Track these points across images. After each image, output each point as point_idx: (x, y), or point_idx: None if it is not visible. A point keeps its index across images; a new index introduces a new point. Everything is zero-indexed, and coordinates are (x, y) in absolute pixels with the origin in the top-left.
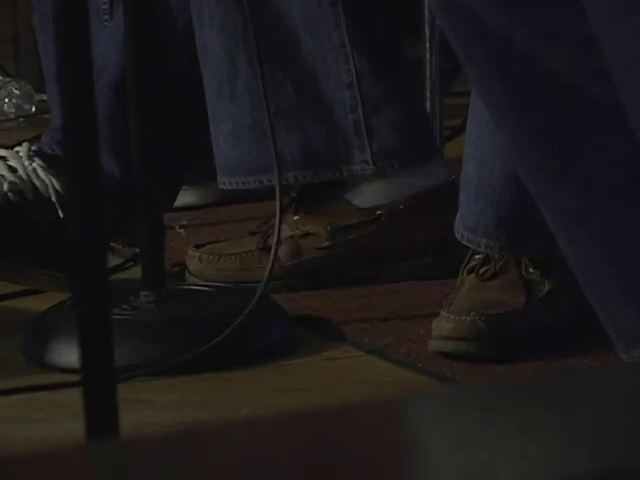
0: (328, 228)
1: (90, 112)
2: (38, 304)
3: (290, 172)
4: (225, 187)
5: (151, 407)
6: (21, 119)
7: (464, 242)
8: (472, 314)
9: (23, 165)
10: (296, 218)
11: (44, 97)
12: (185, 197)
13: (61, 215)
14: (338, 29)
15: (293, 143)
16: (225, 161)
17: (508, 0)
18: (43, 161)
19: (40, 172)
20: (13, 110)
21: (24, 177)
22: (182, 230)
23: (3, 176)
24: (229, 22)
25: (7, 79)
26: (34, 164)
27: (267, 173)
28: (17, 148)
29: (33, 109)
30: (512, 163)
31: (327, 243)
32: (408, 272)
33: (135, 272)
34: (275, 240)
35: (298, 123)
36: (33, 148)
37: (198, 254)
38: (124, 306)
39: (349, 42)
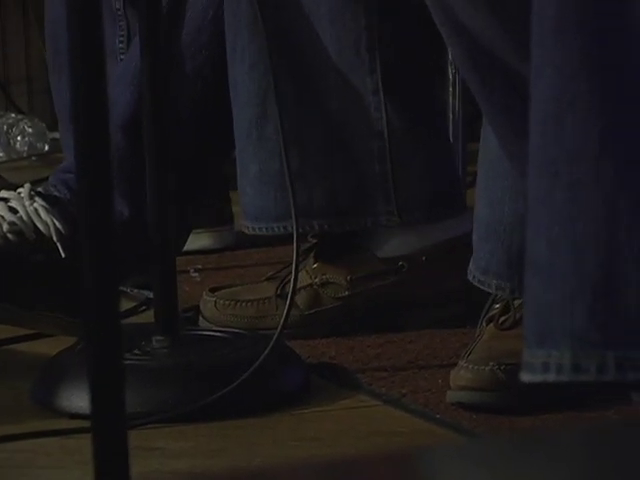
0: (348, 277)
1: (104, 152)
2: (47, 348)
3: (315, 220)
4: (249, 232)
5: (163, 455)
6: (34, 158)
7: (476, 283)
8: (491, 364)
9: (24, 206)
10: (315, 266)
11: (57, 136)
12: (200, 241)
13: (63, 255)
14: (373, 75)
15: (320, 190)
16: (250, 205)
17: None
18: (45, 201)
19: (42, 212)
20: (26, 148)
21: (25, 218)
22: (196, 274)
23: (2, 217)
24: (261, 62)
25: (20, 117)
26: (35, 204)
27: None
28: (19, 189)
29: (46, 148)
30: (519, 205)
31: (347, 292)
32: (427, 323)
33: (148, 316)
34: (291, 290)
35: (326, 170)
36: (38, 189)
37: (214, 299)
38: (136, 351)
39: (382, 89)
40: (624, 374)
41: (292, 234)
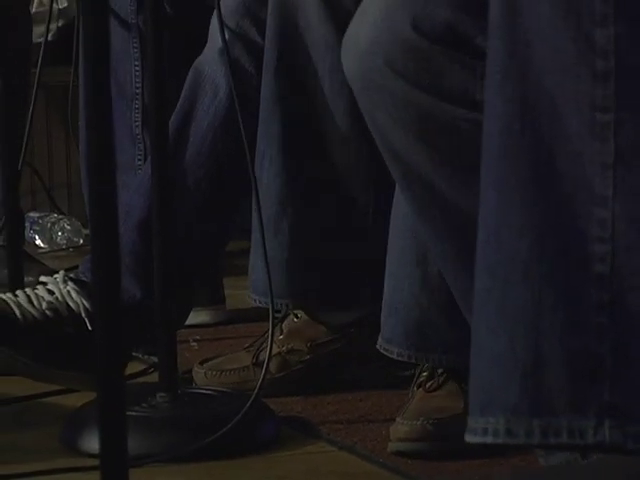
0: (308, 344)
1: (114, 248)
2: (75, 400)
3: (306, 301)
4: (256, 304)
5: None
6: (71, 249)
7: (382, 351)
8: (421, 419)
9: (59, 288)
10: (282, 337)
11: None
12: (199, 317)
13: (90, 328)
14: (368, 192)
15: (314, 281)
16: (261, 283)
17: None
18: (76, 285)
19: (73, 294)
20: (65, 242)
21: (60, 298)
22: (195, 344)
23: (42, 297)
24: (285, 171)
25: (60, 216)
26: (68, 287)
27: (294, 299)
28: (55, 275)
29: (81, 241)
30: (416, 290)
31: (308, 357)
32: (372, 374)
33: (154, 377)
34: (266, 359)
35: (321, 265)
36: (70, 275)
37: (203, 370)
38: (143, 404)
39: (373, 213)
40: (547, 439)
41: (289, 312)
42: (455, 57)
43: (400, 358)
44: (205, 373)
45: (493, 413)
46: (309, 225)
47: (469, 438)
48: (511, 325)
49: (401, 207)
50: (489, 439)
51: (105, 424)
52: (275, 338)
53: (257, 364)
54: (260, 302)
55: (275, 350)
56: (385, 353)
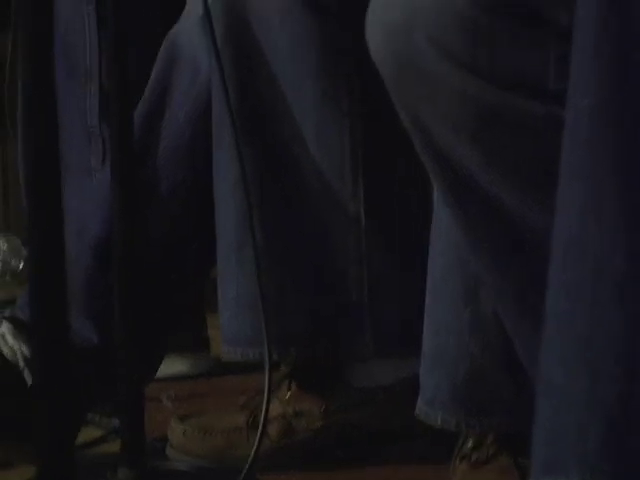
0: (322, 408)
1: (58, 275)
2: (10, 478)
3: (292, 346)
4: (226, 357)
5: None
6: (7, 277)
7: (422, 418)
8: None
9: None
10: (288, 395)
11: None
12: (174, 366)
13: (29, 383)
14: (355, 199)
15: (297, 318)
16: (227, 329)
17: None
18: (12, 325)
19: (8, 337)
20: None
21: None
22: (169, 402)
23: None
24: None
25: None
26: (2, 328)
27: (279, 346)
28: None
29: (21, 265)
30: (464, 336)
31: (321, 423)
32: (406, 455)
33: (115, 447)
34: (262, 420)
35: (303, 298)
36: (5, 313)
37: (183, 427)
38: None
39: (364, 215)
40: None
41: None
42: (523, 34)
43: (445, 426)
44: (184, 432)
45: (565, 471)
46: (282, 250)
47: None
48: (594, 357)
49: (443, 230)
50: None
51: None
52: (281, 396)
53: (253, 426)
54: (229, 354)
55: (279, 410)
56: (426, 420)
